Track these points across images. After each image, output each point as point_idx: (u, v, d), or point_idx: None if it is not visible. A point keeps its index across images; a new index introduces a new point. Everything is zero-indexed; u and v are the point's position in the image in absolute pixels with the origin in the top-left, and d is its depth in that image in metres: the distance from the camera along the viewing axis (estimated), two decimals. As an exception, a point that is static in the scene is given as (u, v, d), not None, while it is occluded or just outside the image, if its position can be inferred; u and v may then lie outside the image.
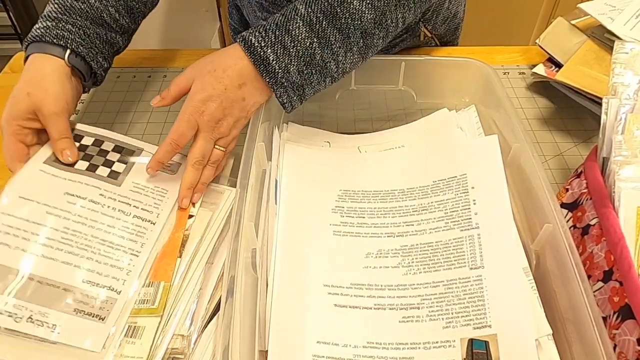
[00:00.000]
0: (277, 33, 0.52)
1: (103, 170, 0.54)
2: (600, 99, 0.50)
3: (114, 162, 0.55)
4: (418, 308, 0.46)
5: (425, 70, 0.67)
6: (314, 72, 0.54)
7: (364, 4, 0.52)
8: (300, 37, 0.52)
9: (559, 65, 0.71)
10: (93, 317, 0.45)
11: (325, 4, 0.52)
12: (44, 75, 0.54)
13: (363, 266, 0.50)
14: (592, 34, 0.70)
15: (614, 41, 0.53)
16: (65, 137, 0.54)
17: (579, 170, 0.52)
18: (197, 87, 0.52)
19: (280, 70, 0.52)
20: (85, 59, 0.58)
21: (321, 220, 0.55)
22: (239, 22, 0.90)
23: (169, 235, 0.52)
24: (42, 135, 0.55)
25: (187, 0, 1.65)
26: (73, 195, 0.51)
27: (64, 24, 0.57)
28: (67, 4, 0.58)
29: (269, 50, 0.51)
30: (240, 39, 0.53)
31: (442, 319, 0.45)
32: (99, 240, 0.49)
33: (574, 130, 0.68)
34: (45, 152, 0.54)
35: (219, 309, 0.46)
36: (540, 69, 0.73)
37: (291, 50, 0.52)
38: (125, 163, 0.56)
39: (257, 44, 0.52)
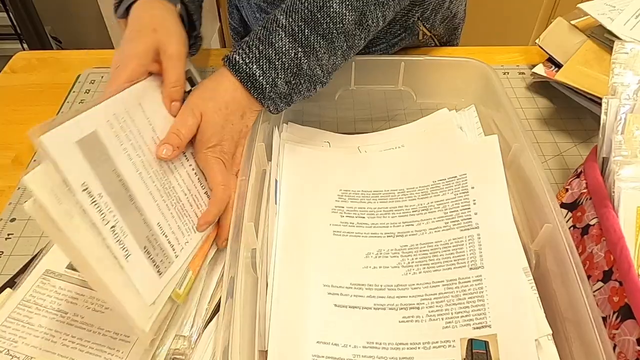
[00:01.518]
0: (261, 48, 0.51)
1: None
2: (600, 99, 0.50)
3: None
4: (418, 308, 0.46)
5: (425, 70, 0.67)
6: (302, 81, 0.54)
7: (344, 6, 0.52)
8: (284, 48, 0.51)
9: (558, 65, 0.71)
10: (154, 266, 0.44)
11: (305, 11, 0.52)
12: (165, 16, 0.52)
13: (363, 266, 0.50)
14: (592, 34, 0.70)
15: (613, 41, 0.53)
16: (179, 86, 0.51)
17: (579, 170, 0.52)
18: (209, 129, 0.51)
19: (268, 85, 0.52)
20: (193, 16, 0.57)
21: (321, 220, 0.55)
22: (239, 22, 0.90)
23: (213, 228, 0.52)
24: None
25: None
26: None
27: None
28: None
29: (255, 66, 0.51)
30: (226, 60, 0.53)
31: (442, 319, 0.45)
32: (176, 195, 0.48)
33: (574, 130, 0.68)
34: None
35: (219, 309, 0.46)
36: (540, 69, 0.73)
37: (277, 63, 0.51)
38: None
39: (241, 62, 0.51)
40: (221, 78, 0.53)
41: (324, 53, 0.53)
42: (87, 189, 0.40)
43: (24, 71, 0.80)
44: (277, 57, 0.51)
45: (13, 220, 0.59)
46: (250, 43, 0.52)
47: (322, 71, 0.55)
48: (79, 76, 0.79)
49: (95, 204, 0.40)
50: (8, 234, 0.57)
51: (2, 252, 0.55)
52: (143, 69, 0.49)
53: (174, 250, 0.47)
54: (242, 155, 0.53)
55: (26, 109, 0.74)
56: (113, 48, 1.60)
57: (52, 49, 1.77)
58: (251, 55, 0.51)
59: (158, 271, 0.45)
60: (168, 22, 0.52)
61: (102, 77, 0.78)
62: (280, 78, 0.52)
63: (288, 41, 0.52)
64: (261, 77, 0.51)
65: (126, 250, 0.42)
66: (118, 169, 0.43)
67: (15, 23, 1.65)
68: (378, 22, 0.56)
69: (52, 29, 1.87)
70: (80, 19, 1.90)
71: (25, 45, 1.69)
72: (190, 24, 0.59)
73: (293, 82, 0.53)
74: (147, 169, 0.46)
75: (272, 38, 0.52)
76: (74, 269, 0.50)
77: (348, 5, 0.52)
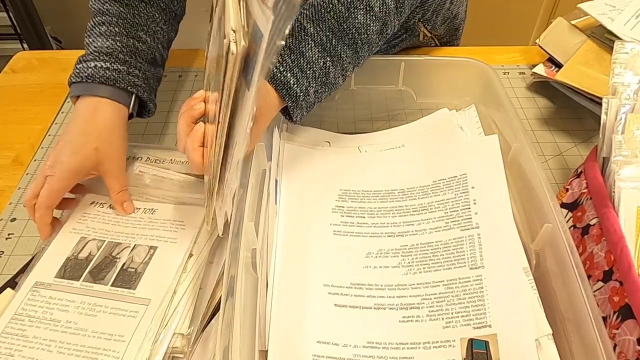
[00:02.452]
0: (293, 57, 0.51)
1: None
2: (600, 99, 0.50)
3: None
4: (418, 308, 0.46)
5: (425, 70, 0.67)
6: (326, 89, 0.54)
7: (368, 16, 0.53)
8: (314, 58, 0.52)
9: (559, 65, 0.71)
10: None
11: (332, 21, 0.52)
12: (113, 129, 0.55)
13: (363, 266, 0.50)
14: (592, 34, 0.70)
15: (614, 41, 0.53)
16: (124, 191, 0.56)
17: (579, 170, 0.52)
18: (255, 135, 0.51)
19: (301, 94, 0.52)
20: (146, 103, 0.59)
21: (321, 220, 0.55)
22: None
23: None
24: None
25: (186, 1, 1.65)
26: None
27: (133, 68, 0.57)
28: (131, 45, 0.58)
29: (289, 74, 0.51)
30: None
31: (442, 318, 0.45)
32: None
33: (574, 130, 0.68)
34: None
35: (219, 309, 0.46)
36: (540, 69, 0.73)
37: (308, 72, 0.52)
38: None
39: (275, 70, 0.51)
40: (269, 93, 0.52)
41: (349, 63, 0.54)
42: None
43: (24, 71, 0.80)
44: (308, 66, 0.52)
45: (13, 220, 0.59)
46: (281, 51, 0.52)
47: (342, 79, 0.56)
48: (79, 76, 0.78)
49: None
50: (8, 234, 0.57)
51: (2, 252, 0.55)
52: (74, 184, 0.54)
53: None
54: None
55: (26, 109, 0.74)
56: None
57: (52, 49, 1.77)
58: (285, 64, 0.51)
59: None
60: (114, 135, 0.54)
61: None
62: (312, 87, 0.52)
63: (317, 51, 0.52)
64: (295, 86, 0.51)
65: None
66: None
67: (15, 23, 1.65)
68: (394, 30, 0.57)
69: (52, 29, 1.87)
70: (80, 19, 1.89)
71: (25, 45, 1.69)
72: (146, 105, 0.60)
73: (320, 90, 0.54)
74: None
75: (302, 47, 0.52)
76: (63, 277, 0.50)
77: (372, 16, 0.53)
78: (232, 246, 0.46)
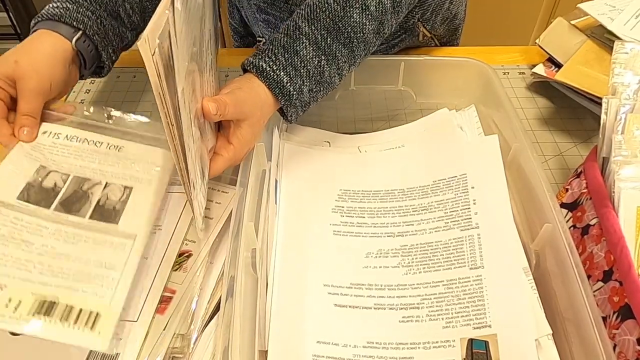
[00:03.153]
0: (287, 56, 0.52)
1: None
2: (600, 99, 0.50)
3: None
4: (418, 308, 0.46)
5: (425, 70, 0.67)
6: (321, 89, 0.54)
7: (364, 15, 0.53)
8: (308, 56, 0.52)
9: (558, 65, 0.71)
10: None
11: (327, 20, 0.52)
12: (40, 52, 0.53)
13: (363, 266, 0.50)
14: (592, 34, 0.70)
15: (613, 41, 0.53)
16: (30, 116, 0.52)
17: (579, 170, 0.52)
18: (251, 135, 0.51)
19: (295, 93, 0.52)
20: (97, 47, 0.57)
21: (321, 220, 0.55)
22: (240, 22, 0.90)
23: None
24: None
25: None
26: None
27: (84, 9, 0.56)
28: None
29: (282, 73, 0.51)
30: (251, 67, 0.52)
31: (442, 318, 0.45)
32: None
33: (574, 130, 0.68)
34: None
35: (219, 309, 0.46)
36: (540, 69, 0.73)
37: (302, 71, 0.52)
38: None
39: (268, 68, 0.51)
40: (251, 83, 0.52)
41: (345, 62, 0.54)
42: None
43: (24, 71, 0.80)
44: (302, 65, 0.52)
45: (13, 220, 0.58)
46: (275, 51, 0.52)
47: (339, 79, 0.55)
48: (79, 76, 0.78)
49: None
50: (8, 234, 0.57)
51: (2, 252, 0.55)
52: (2, 90, 0.51)
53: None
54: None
55: (26, 109, 0.73)
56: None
57: (52, 49, 1.77)
58: (278, 63, 0.51)
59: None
60: (39, 58, 0.53)
61: (102, 77, 0.78)
62: (306, 86, 0.52)
63: (312, 49, 0.52)
64: (289, 84, 0.51)
65: None
66: None
67: (15, 23, 1.65)
68: (391, 30, 0.57)
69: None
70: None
71: (25, 45, 1.69)
72: (98, 51, 0.58)
73: (315, 89, 0.53)
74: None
75: (296, 46, 0.52)
76: (28, 201, 0.47)
77: (368, 15, 0.53)
78: (232, 246, 0.46)
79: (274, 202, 0.54)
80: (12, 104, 0.53)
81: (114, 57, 0.61)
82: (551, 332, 0.43)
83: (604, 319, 0.42)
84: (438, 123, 0.65)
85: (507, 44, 0.83)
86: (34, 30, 0.55)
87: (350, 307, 0.48)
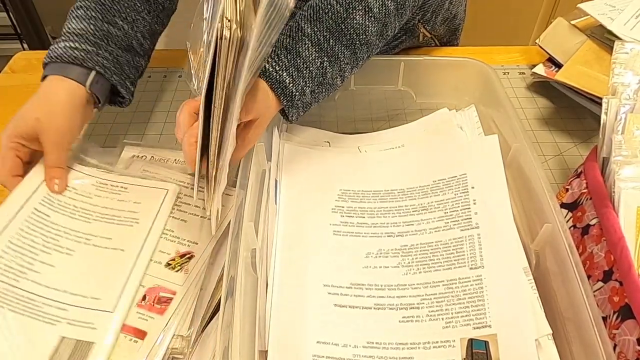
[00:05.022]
0: (290, 57, 0.51)
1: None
2: (600, 99, 0.50)
3: None
4: (418, 308, 0.46)
5: (425, 70, 0.67)
6: (323, 90, 0.54)
7: (367, 17, 0.53)
8: (310, 57, 0.52)
9: (559, 65, 0.71)
10: None
11: (330, 21, 0.52)
12: (57, 105, 0.54)
13: (363, 266, 0.50)
14: (592, 34, 0.70)
15: (613, 41, 0.53)
16: (58, 167, 0.55)
17: (579, 170, 0.52)
18: (256, 135, 0.51)
19: (297, 94, 0.52)
20: (117, 87, 0.59)
21: (321, 220, 0.55)
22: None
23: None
24: (38, 155, 0.56)
25: (187, 0, 1.65)
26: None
27: (103, 50, 0.57)
28: (105, 29, 0.58)
29: (285, 74, 0.51)
30: None
31: (442, 318, 0.45)
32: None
33: (574, 130, 0.68)
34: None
35: (219, 309, 0.46)
36: (540, 69, 0.73)
37: (304, 72, 0.52)
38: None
39: (271, 69, 0.51)
40: (257, 84, 0.52)
41: (347, 63, 0.54)
42: None
43: (24, 71, 0.80)
44: (305, 66, 0.52)
45: (13, 220, 0.58)
46: (278, 52, 0.52)
47: (341, 80, 0.55)
48: (79, 76, 0.78)
49: None
50: (8, 234, 0.57)
51: (2, 252, 0.55)
52: (25, 148, 0.55)
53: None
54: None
55: (26, 109, 0.73)
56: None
57: (52, 49, 1.77)
58: (280, 64, 0.51)
59: None
60: (57, 109, 0.54)
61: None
62: (308, 87, 0.52)
63: (314, 50, 0.52)
64: (291, 85, 0.51)
65: None
66: None
67: (15, 23, 1.65)
68: (394, 32, 0.57)
69: (52, 29, 1.87)
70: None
71: (25, 45, 1.68)
72: (117, 90, 0.60)
73: (317, 91, 0.53)
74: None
75: (298, 47, 0.52)
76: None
77: (371, 17, 0.53)
78: (232, 246, 0.46)
79: (273, 202, 0.54)
80: (32, 156, 0.56)
81: (132, 89, 0.62)
82: (551, 332, 0.43)
83: (604, 319, 0.42)
84: (438, 123, 0.65)
85: (507, 44, 0.84)
86: (46, 75, 0.56)
87: (350, 307, 0.48)
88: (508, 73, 0.78)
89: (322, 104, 0.57)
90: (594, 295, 0.42)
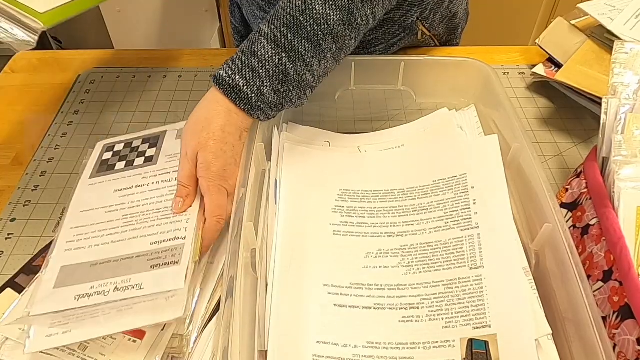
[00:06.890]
0: (244, 58, 0.51)
1: (139, 160, 0.58)
2: (600, 99, 0.50)
3: (145, 151, 0.59)
4: (418, 308, 0.46)
5: (425, 70, 0.67)
6: (291, 88, 0.52)
7: (327, 6, 0.50)
8: (267, 55, 0.51)
9: (558, 65, 0.71)
10: (169, 265, 0.47)
11: (287, 16, 0.51)
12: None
13: (363, 266, 0.50)
14: (592, 34, 0.70)
15: (613, 41, 0.53)
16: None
17: (579, 170, 0.52)
18: (209, 157, 0.51)
19: (253, 95, 0.51)
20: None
21: (321, 220, 0.55)
22: (241, 22, 0.90)
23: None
24: None
25: (186, 0, 1.65)
26: (121, 189, 0.55)
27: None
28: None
29: (237, 77, 0.50)
30: (212, 79, 0.52)
31: (442, 318, 0.45)
32: (154, 210, 0.52)
33: (574, 130, 0.68)
34: (86, 171, 0.58)
35: (219, 309, 0.46)
36: (540, 69, 0.73)
37: (261, 71, 0.50)
38: (155, 146, 0.59)
39: (225, 75, 0.51)
40: (210, 103, 0.52)
41: (312, 57, 0.52)
42: None
43: (24, 71, 0.80)
44: (261, 65, 0.51)
45: (13, 220, 0.59)
46: (235, 57, 0.52)
47: (312, 76, 0.53)
48: (79, 76, 0.79)
49: None
50: (8, 234, 0.57)
51: (2, 252, 0.55)
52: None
53: (178, 237, 0.49)
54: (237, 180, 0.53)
55: (26, 109, 0.74)
56: (113, 48, 1.60)
57: (52, 49, 1.77)
58: (234, 68, 0.51)
59: (175, 263, 0.47)
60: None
61: (102, 77, 0.78)
62: (267, 86, 0.51)
63: (270, 48, 0.51)
64: (245, 87, 0.51)
65: (137, 285, 0.46)
66: (97, 258, 0.49)
67: (15, 23, 1.65)
68: (368, 20, 0.54)
69: (52, 29, 1.87)
70: (80, 19, 1.89)
71: (25, 46, 1.68)
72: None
73: (282, 89, 0.52)
74: (120, 228, 0.51)
75: (254, 47, 0.51)
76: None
77: (332, 5, 0.50)
78: (231, 246, 0.46)
79: (273, 202, 0.54)
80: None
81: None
82: (551, 332, 0.43)
83: (604, 319, 0.42)
84: (438, 123, 0.65)
85: (507, 44, 0.84)
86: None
87: (350, 307, 0.48)
88: (508, 73, 0.78)
89: (322, 104, 0.56)
90: (594, 295, 0.42)
